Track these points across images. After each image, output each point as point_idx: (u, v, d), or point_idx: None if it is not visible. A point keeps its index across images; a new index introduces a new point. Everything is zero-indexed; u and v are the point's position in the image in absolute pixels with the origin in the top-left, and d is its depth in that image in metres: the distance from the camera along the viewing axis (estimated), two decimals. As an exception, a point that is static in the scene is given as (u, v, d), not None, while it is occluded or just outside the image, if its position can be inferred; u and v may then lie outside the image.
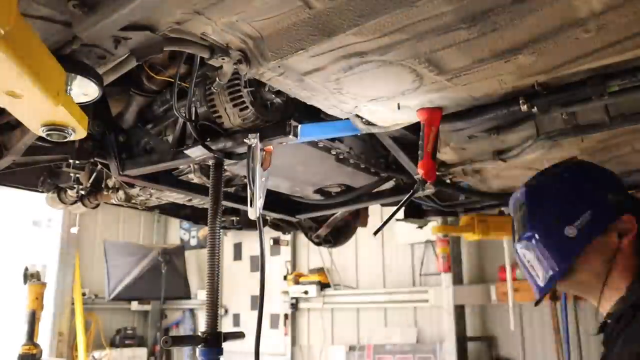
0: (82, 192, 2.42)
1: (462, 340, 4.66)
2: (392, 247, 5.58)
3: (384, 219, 1.52)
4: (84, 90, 1.17)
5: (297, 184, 2.35)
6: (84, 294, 6.72)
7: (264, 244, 1.54)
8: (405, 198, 1.47)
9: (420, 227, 3.17)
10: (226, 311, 7.10)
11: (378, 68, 1.19)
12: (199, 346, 1.53)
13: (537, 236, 1.29)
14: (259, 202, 1.61)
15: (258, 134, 1.63)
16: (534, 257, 1.31)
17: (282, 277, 6.41)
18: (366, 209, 3.01)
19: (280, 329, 6.45)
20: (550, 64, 1.16)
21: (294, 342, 6.35)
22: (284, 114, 1.67)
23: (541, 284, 1.31)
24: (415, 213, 2.96)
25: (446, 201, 2.85)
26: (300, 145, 1.81)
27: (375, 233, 1.48)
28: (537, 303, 1.38)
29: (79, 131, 1.14)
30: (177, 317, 7.65)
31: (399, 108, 1.39)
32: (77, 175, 2.34)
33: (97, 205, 2.55)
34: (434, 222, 5.07)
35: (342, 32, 1.05)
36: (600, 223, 1.24)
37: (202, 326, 1.66)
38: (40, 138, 1.52)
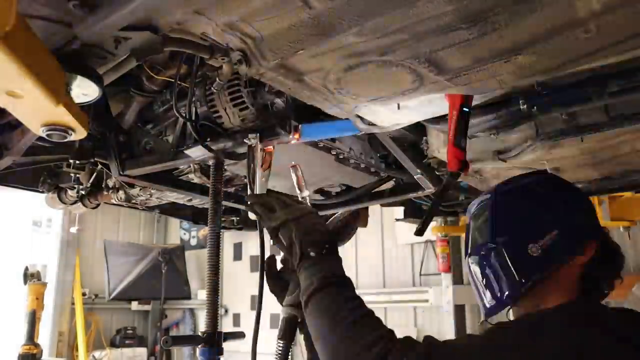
0: (82, 192, 2.41)
1: (462, 340, 4.65)
2: (392, 247, 5.57)
3: (382, 218, 1.52)
4: (84, 90, 1.17)
5: (297, 184, 2.35)
6: (84, 294, 6.72)
7: (264, 244, 1.54)
8: (437, 193, 1.36)
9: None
10: (226, 311, 7.10)
11: (378, 68, 1.19)
12: (199, 346, 1.53)
13: (496, 249, 1.16)
14: (259, 202, 1.61)
15: (258, 134, 1.63)
16: (489, 272, 1.17)
17: (282, 277, 6.41)
18: (366, 209, 3.00)
19: (281, 328, 6.46)
20: (550, 64, 1.16)
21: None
22: (284, 114, 1.67)
23: (489, 303, 1.18)
24: (415, 213, 2.96)
25: (446, 201, 2.85)
26: (300, 145, 1.81)
27: (418, 233, 1.33)
28: (483, 321, 1.24)
29: (79, 131, 1.14)
30: (177, 317, 7.65)
31: (399, 108, 1.39)
32: (77, 175, 2.33)
33: (97, 205, 2.55)
34: (434, 222, 5.07)
35: (342, 32, 1.05)
36: (566, 246, 1.12)
37: (202, 326, 1.66)
38: (40, 138, 1.52)
